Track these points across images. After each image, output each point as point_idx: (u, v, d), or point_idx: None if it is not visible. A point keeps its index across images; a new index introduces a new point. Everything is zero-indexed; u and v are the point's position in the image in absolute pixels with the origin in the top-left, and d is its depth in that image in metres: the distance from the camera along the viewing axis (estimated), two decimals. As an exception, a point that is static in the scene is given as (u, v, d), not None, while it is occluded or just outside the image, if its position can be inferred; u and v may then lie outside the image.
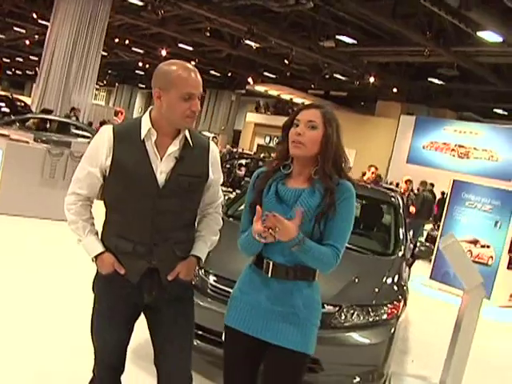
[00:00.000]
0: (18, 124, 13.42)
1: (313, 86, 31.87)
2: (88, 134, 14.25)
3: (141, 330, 2.80)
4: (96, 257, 2.62)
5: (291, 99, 34.90)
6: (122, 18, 24.71)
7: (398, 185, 17.38)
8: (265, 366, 2.64)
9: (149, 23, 24.61)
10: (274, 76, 32.36)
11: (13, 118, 15.27)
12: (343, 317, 4.08)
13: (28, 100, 23.95)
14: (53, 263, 6.78)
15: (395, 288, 4.52)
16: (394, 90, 27.64)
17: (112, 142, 2.56)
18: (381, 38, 21.33)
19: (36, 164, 8.64)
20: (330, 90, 33.12)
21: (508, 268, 9.62)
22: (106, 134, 2.59)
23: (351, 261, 4.73)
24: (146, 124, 2.58)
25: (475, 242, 9.66)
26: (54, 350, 4.36)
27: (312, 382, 4.14)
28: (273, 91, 33.94)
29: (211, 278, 4.25)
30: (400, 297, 4.41)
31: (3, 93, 26.66)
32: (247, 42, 23.70)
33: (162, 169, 2.56)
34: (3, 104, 19.87)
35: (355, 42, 21.65)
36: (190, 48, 29.10)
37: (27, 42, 35.05)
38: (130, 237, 2.58)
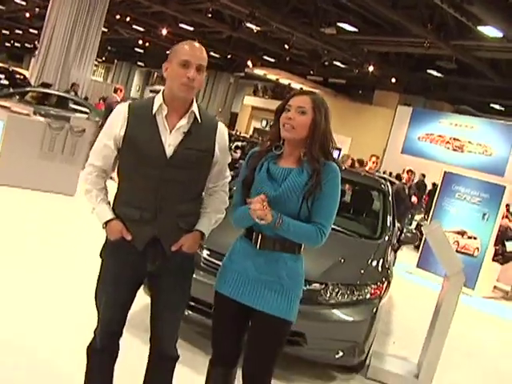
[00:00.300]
0: (17, 97, 13.52)
1: (312, 72, 31.91)
2: (86, 110, 14.34)
3: (138, 298, 3.01)
4: (106, 223, 2.83)
5: (289, 84, 34.89)
6: (124, -6, 24.80)
7: (398, 176, 17.56)
8: (249, 331, 2.87)
9: (150, 1, 24.60)
10: (273, 60, 32.37)
11: (12, 90, 15.36)
12: (328, 294, 4.32)
13: (27, 73, 23.99)
14: (47, 234, 7.00)
15: (379, 270, 4.75)
16: (393, 80, 27.77)
17: (126, 116, 2.80)
18: (382, 28, 21.39)
19: (36, 137, 8.80)
20: (328, 77, 33.20)
21: (493, 260, 9.92)
22: (121, 110, 2.83)
23: (339, 242, 5.00)
24: (158, 100, 2.80)
25: (463, 233, 9.92)
26: (56, 316, 4.59)
27: (297, 355, 4.41)
28: (271, 75, 33.96)
29: (204, 252, 4.47)
30: (384, 279, 4.65)
31: (2, 64, 26.64)
32: (248, 24, 23.76)
33: (171, 141, 2.77)
34: (2, 76, 19.90)
35: (356, 30, 21.74)
36: (191, 28, 29.04)
37: (27, 15, 34.87)
38: (138, 204, 2.79)
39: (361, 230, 5.49)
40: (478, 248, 9.75)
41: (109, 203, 2.90)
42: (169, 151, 2.76)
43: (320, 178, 2.72)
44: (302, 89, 29.74)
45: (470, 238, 9.83)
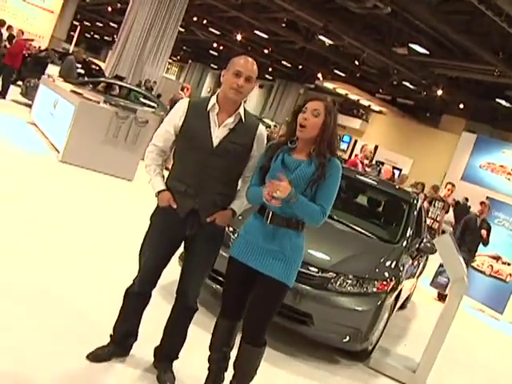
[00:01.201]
0: (90, 86, 14.53)
1: (381, 90, 32.27)
2: (154, 105, 15.23)
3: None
4: (158, 192, 3.57)
5: (358, 100, 35.24)
6: (204, -2, 25.82)
7: (458, 203, 17.87)
8: (253, 290, 3.50)
9: (228, 6, 25.52)
10: (343, 75, 32.81)
11: (87, 79, 16.45)
12: (339, 283, 4.91)
13: (103, 65, 25.31)
14: (103, 209, 7.83)
15: (389, 269, 5.30)
16: (461, 105, 27.83)
17: (186, 109, 3.57)
18: (453, 52, 21.60)
19: (103, 123, 9.66)
20: (397, 97, 33.42)
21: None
22: (183, 104, 3.62)
23: (357, 240, 5.65)
24: (212, 100, 3.56)
25: (497, 258, 10.27)
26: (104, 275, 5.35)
27: (306, 335, 5.02)
28: (341, 90, 34.35)
29: (233, 234, 5.13)
30: (393, 277, 5.21)
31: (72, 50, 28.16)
32: (321, 37, 24.40)
33: (218, 134, 3.51)
34: (80, 65, 21.17)
35: (427, 52, 22.05)
36: (265, 36, 29.89)
37: (109, 9, 36.66)
38: (185, 180, 3.53)
39: (381, 234, 6.04)
40: (510, 274, 10.08)
41: (163, 177, 3.66)
42: (215, 142, 3.50)
43: (325, 170, 3.34)
44: (369, 106, 29.89)
45: (504, 263, 10.17)
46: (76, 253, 5.72)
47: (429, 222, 10.20)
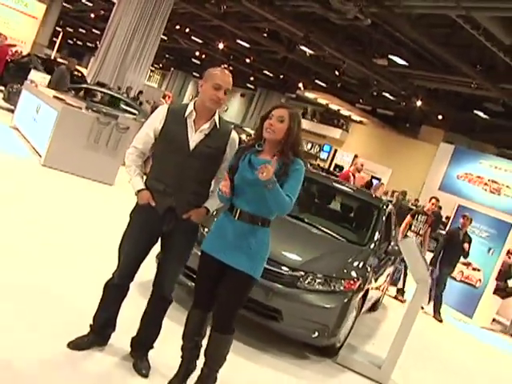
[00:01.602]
0: (73, 92, 14.76)
1: (361, 100, 32.83)
2: (135, 111, 15.47)
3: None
4: (138, 191, 3.87)
5: (339, 110, 35.84)
6: (187, 6, 26.04)
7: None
8: (221, 282, 3.79)
9: (211, 15, 25.85)
10: (324, 85, 33.36)
11: (69, 86, 16.66)
12: (307, 281, 5.22)
13: (85, 71, 25.51)
14: (83, 211, 8.08)
15: (356, 269, 5.62)
16: (439, 116, 28.42)
17: (165, 114, 3.90)
18: (433, 64, 22.19)
19: (84, 128, 9.91)
20: (377, 108, 34.03)
21: (494, 293, 10.60)
22: (162, 110, 3.96)
23: (328, 242, 6.01)
24: (190, 107, 3.90)
25: (468, 265, 10.67)
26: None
27: (276, 330, 5.32)
28: (322, 100, 34.95)
29: (205, 230, 5.42)
30: (359, 277, 5.52)
31: (61, 61, 28.33)
32: (302, 47, 24.84)
33: (194, 139, 3.84)
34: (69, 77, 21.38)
35: (406, 64, 22.54)
36: (247, 45, 30.32)
37: (92, 16, 36.94)
38: (164, 180, 3.85)
39: (351, 237, 6.37)
40: (480, 280, 10.46)
41: (142, 177, 3.96)
42: (192, 146, 3.84)
43: (288, 169, 3.67)
44: (350, 116, 30.13)
45: (474, 269, 10.55)
46: (66, 252, 5.97)
47: (411, 235, 10.31)
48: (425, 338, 8.48)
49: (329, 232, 6.24)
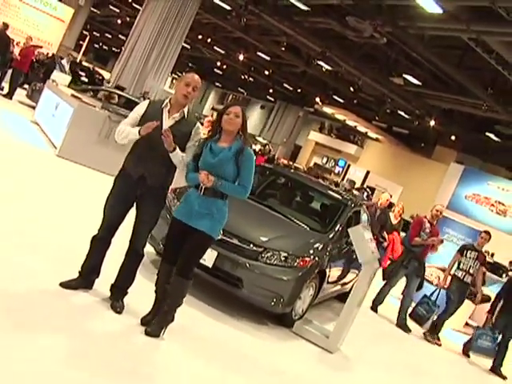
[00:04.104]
0: (91, 93, 16.08)
1: (377, 117, 33.81)
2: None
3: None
4: (138, 132, 4.87)
5: (355, 127, 36.88)
6: (210, 17, 27.42)
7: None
8: (186, 241, 4.93)
9: (233, 27, 27.24)
10: (342, 100, 34.43)
11: (89, 87, 18.03)
12: (267, 256, 6.32)
13: (107, 74, 26.91)
14: (88, 199, 9.29)
15: (311, 250, 6.72)
16: (453, 137, 29.32)
17: (147, 106, 5.14)
18: (447, 85, 23.09)
19: (97, 125, 11.17)
20: (392, 125, 34.99)
21: (467, 298, 11.50)
22: (145, 102, 5.25)
23: (290, 226, 7.12)
24: (166, 101, 5.10)
25: (444, 270, 11.59)
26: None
27: (238, 296, 6.43)
28: (339, 115, 36.05)
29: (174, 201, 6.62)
30: (313, 257, 6.61)
31: (86, 64, 29.86)
32: (319, 62, 25.92)
33: (167, 124, 5.00)
34: (84, 74, 22.85)
35: (420, 83, 23.42)
36: (268, 58, 31.54)
37: (119, 21, 38.52)
38: (139, 154, 5.01)
39: (313, 225, 7.49)
40: (455, 284, 11.37)
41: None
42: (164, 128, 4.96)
43: (240, 155, 4.84)
44: (366, 133, 31.07)
45: (450, 274, 11.48)
46: (66, 217, 7.16)
47: (460, 274, 10.23)
48: (390, 330, 9.55)
49: (293, 219, 7.39)
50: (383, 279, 10.25)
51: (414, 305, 10.28)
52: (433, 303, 10.11)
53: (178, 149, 4.95)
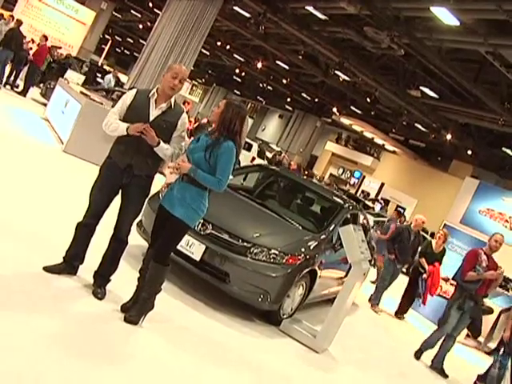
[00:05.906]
0: (104, 93, 16.29)
1: (394, 130, 33.74)
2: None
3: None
4: (126, 129, 4.94)
5: (373, 138, 36.81)
6: (230, 24, 27.57)
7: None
8: (165, 227, 5.01)
9: (252, 35, 27.31)
10: (359, 112, 34.43)
11: (99, 87, 18.28)
12: (255, 252, 6.35)
13: (124, 77, 27.16)
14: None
15: (301, 248, 6.73)
16: (469, 152, 29.16)
17: (134, 94, 5.19)
18: (465, 99, 23.01)
19: (102, 121, 11.25)
20: (409, 138, 34.91)
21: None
22: (133, 91, 5.27)
23: (281, 224, 7.14)
24: (153, 91, 5.17)
25: (446, 280, 11.59)
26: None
27: (226, 291, 6.45)
28: (357, 127, 36.03)
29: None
30: (303, 255, 6.63)
31: (106, 67, 30.20)
32: (337, 72, 25.96)
33: (153, 114, 5.09)
34: (99, 75, 23.12)
35: (437, 96, 23.38)
36: (286, 67, 31.65)
37: (140, 26, 38.90)
38: (126, 143, 5.06)
39: (305, 225, 7.51)
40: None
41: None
42: (151, 118, 5.07)
43: (218, 143, 4.91)
44: (383, 145, 30.85)
45: (452, 285, 11.42)
46: (63, 208, 7.27)
47: None
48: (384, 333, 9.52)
49: (287, 218, 7.41)
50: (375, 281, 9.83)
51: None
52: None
53: (161, 142, 5.02)
